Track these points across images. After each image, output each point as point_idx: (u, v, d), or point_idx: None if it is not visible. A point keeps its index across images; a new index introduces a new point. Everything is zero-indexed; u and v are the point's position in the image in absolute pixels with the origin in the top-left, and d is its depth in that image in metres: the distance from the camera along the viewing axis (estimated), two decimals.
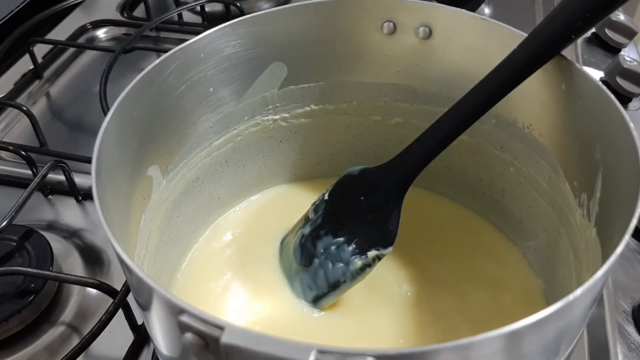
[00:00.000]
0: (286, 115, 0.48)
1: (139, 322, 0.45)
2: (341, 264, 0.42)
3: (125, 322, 0.44)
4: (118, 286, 0.45)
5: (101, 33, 0.83)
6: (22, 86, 0.73)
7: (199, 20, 0.84)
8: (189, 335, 0.24)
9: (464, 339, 0.23)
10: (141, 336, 0.45)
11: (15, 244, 0.49)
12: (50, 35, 0.80)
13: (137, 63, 0.73)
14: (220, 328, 0.23)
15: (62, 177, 0.56)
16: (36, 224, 0.54)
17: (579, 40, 0.71)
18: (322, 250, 0.43)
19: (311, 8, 0.43)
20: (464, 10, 0.41)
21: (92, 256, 0.52)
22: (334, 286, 0.42)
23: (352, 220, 0.43)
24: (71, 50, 0.79)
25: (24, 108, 0.62)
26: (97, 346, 0.43)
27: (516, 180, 0.45)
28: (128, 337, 0.44)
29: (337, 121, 0.50)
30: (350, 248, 0.42)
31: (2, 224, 0.47)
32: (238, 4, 0.77)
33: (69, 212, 0.56)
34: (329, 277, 0.42)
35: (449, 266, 0.46)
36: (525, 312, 0.24)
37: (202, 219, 0.49)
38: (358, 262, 0.42)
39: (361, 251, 0.42)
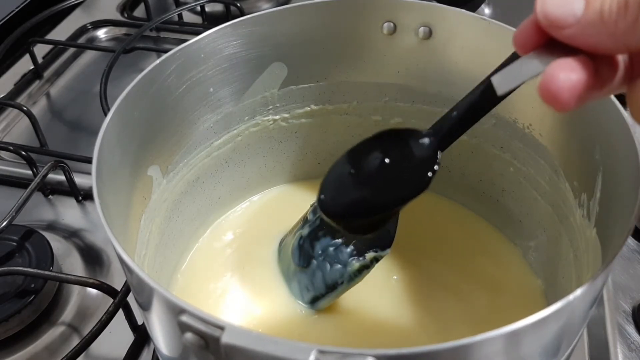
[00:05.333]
0: (286, 115, 0.48)
1: (139, 322, 0.45)
2: (339, 266, 0.42)
3: (125, 322, 0.44)
4: (118, 286, 0.45)
5: (101, 33, 0.83)
6: (22, 86, 0.73)
7: (199, 20, 0.84)
8: (189, 335, 0.24)
9: (464, 339, 0.23)
10: (141, 336, 0.45)
11: (15, 244, 0.49)
12: (51, 36, 0.80)
13: (137, 63, 0.73)
14: (221, 328, 0.23)
15: (62, 177, 0.56)
16: (36, 224, 0.54)
17: None
18: (320, 252, 0.43)
19: (311, 8, 0.43)
20: (464, 10, 0.41)
21: (92, 256, 0.52)
22: (332, 288, 0.42)
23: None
24: (71, 50, 0.79)
25: (24, 108, 0.62)
26: (97, 346, 0.43)
27: (516, 180, 0.45)
28: (128, 337, 0.44)
29: (337, 121, 0.50)
30: (349, 250, 0.42)
31: (2, 224, 0.47)
32: (238, 4, 0.77)
33: (69, 212, 0.56)
34: (327, 278, 0.42)
35: (448, 266, 0.46)
36: (525, 312, 0.24)
37: (202, 219, 0.49)
38: (356, 263, 0.42)
39: (359, 253, 0.42)
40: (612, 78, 0.24)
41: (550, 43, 0.24)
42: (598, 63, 0.24)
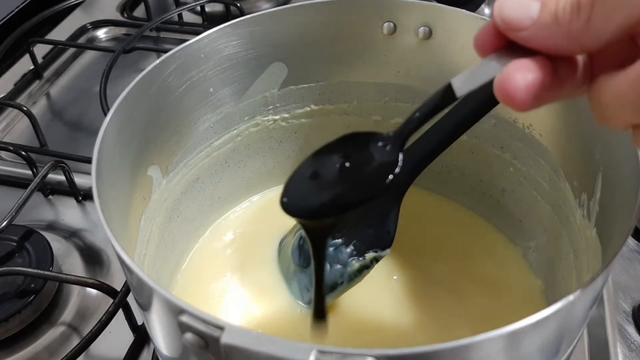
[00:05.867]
0: (286, 115, 0.48)
1: (139, 322, 0.45)
2: (339, 266, 0.42)
3: (125, 322, 0.44)
4: (118, 286, 0.45)
5: (101, 33, 0.83)
6: (22, 86, 0.73)
7: (199, 20, 0.84)
8: (189, 336, 0.24)
9: (464, 339, 0.23)
10: (141, 336, 0.45)
11: (15, 244, 0.49)
12: (51, 36, 0.80)
13: (137, 63, 0.73)
14: (221, 328, 0.23)
15: (62, 177, 0.56)
16: (36, 224, 0.54)
17: None
18: None
19: (311, 8, 0.43)
20: (464, 10, 0.41)
21: (92, 256, 0.52)
22: (332, 288, 0.42)
23: (350, 222, 0.43)
24: (71, 50, 0.79)
25: (24, 108, 0.62)
26: (97, 346, 0.43)
27: (516, 180, 0.45)
28: (128, 337, 0.44)
29: (337, 121, 0.50)
30: (348, 250, 0.42)
31: (2, 224, 0.47)
32: (238, 4, 0.77)
33: (69, 212, 0.56)
34: (327, 278, 0.42)
35: (448, 266, 0.46)
36: (525, 312, 0.24)
37: (202, 219, 0.49)
38: (356, 264, 0.42)
39: (359, 253, 0.42)
40: (571, 77, 0.25)
41: (509, 45, 0.25)
42: (556, 63, 0.24)
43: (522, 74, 0.23)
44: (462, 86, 0.27)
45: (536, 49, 0.24)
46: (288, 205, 0.33)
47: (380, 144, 0.33)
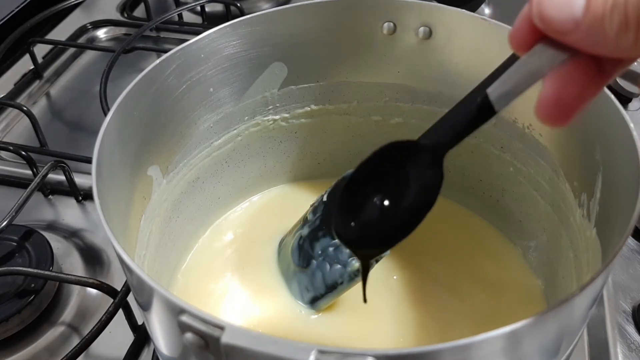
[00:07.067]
0: (286, 115, 0.48)
1: (139, 322, 0.45)
2: (339, 266, 0.42)
3: (125, 322, 0.44)
4: (118, 286, 0.45)
5: (101, 33, 0.83)
6: (22, 86, 0.73)
7: (199, 20, 0.84)
8: (189, 335, 0.24)
9: (464, 339, 0.23)
10: (141, 336, 0.45)
11: (15, 244, 0.49)
12: (51, 36, 0.80)
13: (137, 63, 0.73)
14: (221, 328, 0.23)
15: (62, 177, 0.56)
16: (36, 224, 0.54)
17: None
18: (319, 252, 0.43)
19: (311, 8, 0.43)
20: (464, 10, 0.41)
21: (92, 256, 0.52)
22: (332, 288, 0.42)
23: None
24: (71, 50, 0.79)
25: (24, 108, 0.62)
26: (97, 346, 0.43)
27: (516, 180, 0.45)
28: (128, 337, 0.44)
29: (337, 121, 0.50)
30: (348, 250, 0.42)
31: (2, 224, 0.47)
32: (238, 4, 0.77)
33: (69, 212, 0.56)
34: (327, 278, 0.42)
35: (448, 266, 0.46)
36: (525, 312, 0.24)
37: (202, 219, 0.49)
38: (355, 263, 0.41)
39: None
40: (616, 69, 0.23)
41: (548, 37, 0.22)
42: (602, 62, 0.22)
43: (567, 94, 0.21)
44: (501, 98, 0.24)
45: (580, 51, 0.21)
46: (344, 239, 0.34)
47: (419, 165, 0.33)
